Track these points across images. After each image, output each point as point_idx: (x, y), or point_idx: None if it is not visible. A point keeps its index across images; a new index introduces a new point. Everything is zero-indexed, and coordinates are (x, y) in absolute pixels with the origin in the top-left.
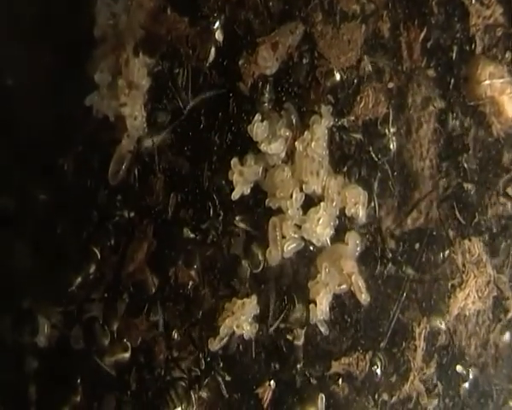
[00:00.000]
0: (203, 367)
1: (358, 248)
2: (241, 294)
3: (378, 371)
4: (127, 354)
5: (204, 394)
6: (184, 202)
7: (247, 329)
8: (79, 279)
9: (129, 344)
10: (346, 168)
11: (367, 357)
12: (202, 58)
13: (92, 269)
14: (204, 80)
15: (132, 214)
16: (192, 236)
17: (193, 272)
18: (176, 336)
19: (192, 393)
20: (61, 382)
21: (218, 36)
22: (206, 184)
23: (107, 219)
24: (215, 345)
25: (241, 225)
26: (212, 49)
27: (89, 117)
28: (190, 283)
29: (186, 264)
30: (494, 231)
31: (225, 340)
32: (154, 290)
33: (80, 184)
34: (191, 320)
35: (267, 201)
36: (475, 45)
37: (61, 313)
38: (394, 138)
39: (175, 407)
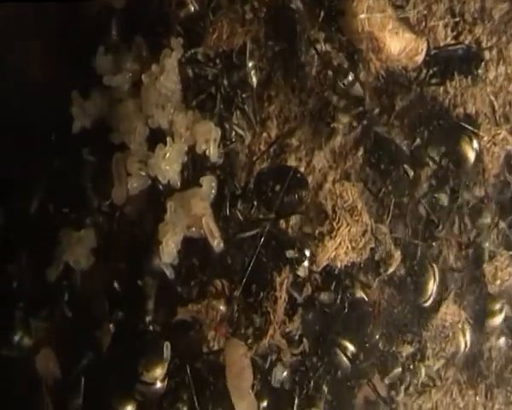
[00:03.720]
0: (43, 297)
1: (214, 191)
2: (81, 226)
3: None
4: None
5: (44, 324)
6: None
7: (83, 262)
8: None
9: None
10: (198, 103)
11: (218, 305)
12: None
13: None
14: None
15: None
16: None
17: (35, 202)
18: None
19: (31, 321)
20: None
21: None
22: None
23: None
24: (52, 275)
25: (89, 157)
26: None
27: None
28: (33, 210)
29: (29, 192)
30: (371, 176)
31: (61, 270)
32: None
33: None
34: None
35: (111, 135)
36: None
37: None
38: (253, 72)
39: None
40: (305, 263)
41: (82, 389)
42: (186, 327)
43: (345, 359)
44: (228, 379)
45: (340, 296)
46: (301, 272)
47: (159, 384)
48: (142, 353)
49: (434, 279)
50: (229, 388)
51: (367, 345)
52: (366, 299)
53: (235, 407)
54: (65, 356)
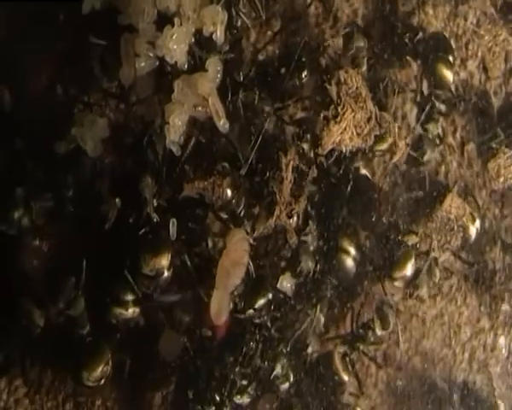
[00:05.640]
0: (49, 175)
1: (219, 75)
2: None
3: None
4: None
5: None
6: None
7: (91, 147)
8: None
9: None
10: None
11: (224, 183)
12: None
13: None
14: None
15: None
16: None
17: (43, 80)
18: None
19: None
20: None
21: None
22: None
23: None
24: (61, 148)
25: (98, 38)
26: None
27: None
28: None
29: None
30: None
31: (72, 147)
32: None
33: None
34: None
35: (119, 17)
36: None
37: None
38: None
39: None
40: (309, 142)
41: (84, 269)
42: (192, 204)
43: (351, 249)
44: (222, 260)
45: (344, 172)
46: (306, 152)
47: (165, 274)
48: (145, 242)
49: None
50: (218, 269)
51: (372, 232)
52: (370, 177)
53: (214, 290)
54: (66, 233)
